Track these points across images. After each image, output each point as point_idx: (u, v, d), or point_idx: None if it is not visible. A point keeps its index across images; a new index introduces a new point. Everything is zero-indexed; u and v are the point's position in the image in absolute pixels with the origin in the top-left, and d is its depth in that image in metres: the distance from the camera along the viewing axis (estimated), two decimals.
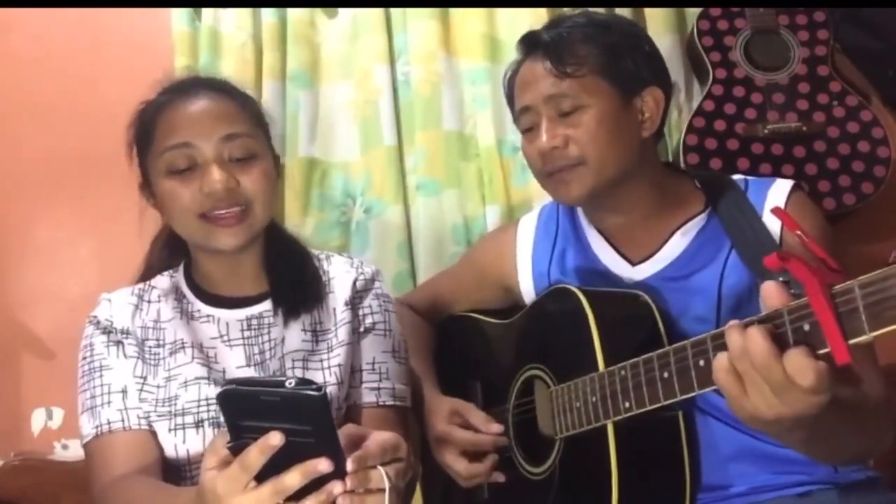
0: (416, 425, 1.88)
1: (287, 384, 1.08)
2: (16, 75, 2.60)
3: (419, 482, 1.96)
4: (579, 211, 1.86)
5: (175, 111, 1.59)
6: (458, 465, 1.71)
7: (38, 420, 2.48)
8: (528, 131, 1.75)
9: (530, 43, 1.77)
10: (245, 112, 1.63)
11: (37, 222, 2.56)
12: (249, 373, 1.61)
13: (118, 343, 1.63)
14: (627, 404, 1.40)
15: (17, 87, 2.59)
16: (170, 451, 1.57)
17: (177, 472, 1.58)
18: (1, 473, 2.29)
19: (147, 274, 1.77)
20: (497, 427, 1.70)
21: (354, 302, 1.70)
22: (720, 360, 1.14)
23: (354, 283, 1.71)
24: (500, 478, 1.72)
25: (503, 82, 1.86)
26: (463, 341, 1.98)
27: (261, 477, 1.13)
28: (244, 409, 1.11)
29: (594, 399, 1.48)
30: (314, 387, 1.07)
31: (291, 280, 1.68)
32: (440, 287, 2.07)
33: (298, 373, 1.61)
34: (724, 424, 1.56)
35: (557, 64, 1.68)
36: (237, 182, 1.55)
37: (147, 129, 1.61)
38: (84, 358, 1.64)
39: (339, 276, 1.72)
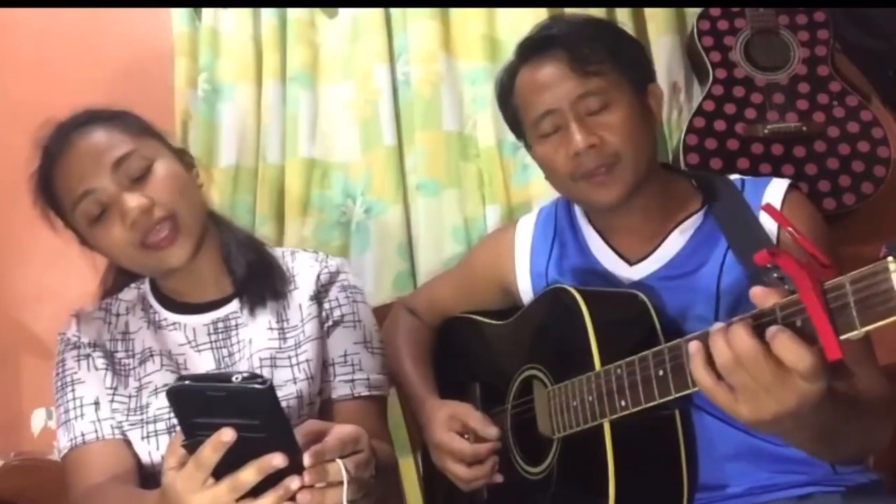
0: (413, 421, 1.88)
1: (233, 379, 1.09)
2: (16, 75, 2.61)
3: (420, 483, 1.97)
4: (577, 211, 1.86)
5: (60, 167, 1.59)
6: (458, 471, 1.71)
7: (38, 420, 2.48)
8: (550, 135, 1.69)
9: (541, 44, 1.71)
10: (117, 130, 1.60)
11: (36, 222, 2.55)
12: None
13: (88, 356, 1.66)
14: (623, 403, 1.39)
15: (17, 87, 2.60)
16: (144, 458, 1.60)
17: (153, 478, 1.59)
18: (1, 473, 2.29)
19: (105, 297, 1.78)
20: (493, 431, 1.69)
21: (320, 296, 1.71)
22: (701, 375, 1.15)
23: (318, 276, 1.72)
24: (499, 478, 1.72)
25: (497, 87, 1.81)
26: (461, 342, 1.98)
27: (220, 472, 1.14)
28: (194, 406, 1.12)
29: (590, 398, 1.47)
30: (259, 380, 1.09)
31: (252, 271, 1.68)
32: (439, 289, 2.07)
33: (266, 371, 1.62)
34: (722, 422, 1.55)
35: (582, 62, 1.64)
36: (150, 200, 1.54)
37: (49, 196, 1.63)
38: (57, 374, 1.68)
39: (304, 271, 1.73)
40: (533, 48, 1.73)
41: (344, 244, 2.45)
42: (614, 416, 1.43)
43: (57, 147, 1.60)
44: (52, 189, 1.61)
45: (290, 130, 2.47)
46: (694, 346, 1.17)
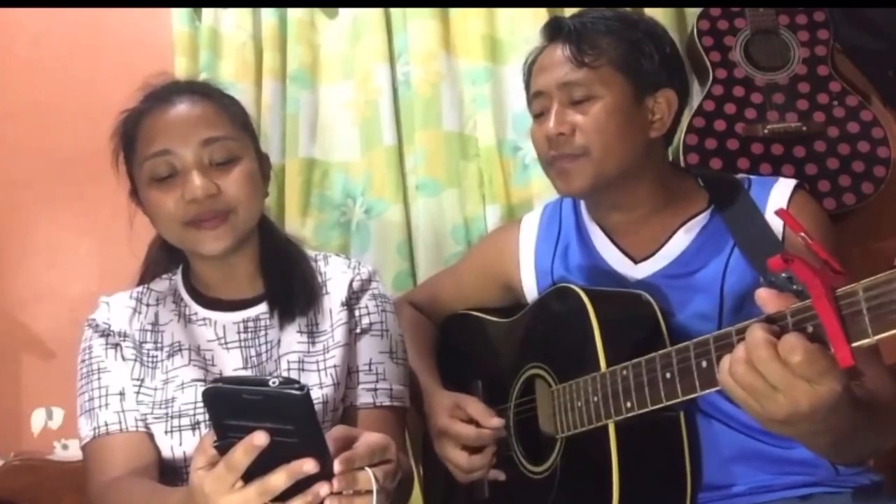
0: (417, 424, 1.88)
1: (270, 383, 1.08)
2: (15, 75, 2.60)
3: (420, 482, 1.97)
4: (582, 208, 1.87)
5: (154, 119, 1.59)
6: (458, 459, 1.72)
7: (38, 420, 2.48)
8: (539, 116, 1.75)
9: (554, 29, 1.77)
10: (225, 114, 1.62)
11: (37, 222, 2.56)
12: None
13: (116, 346, 1.65)
14: (629, 404, 1.40)
15: (16, 87, 2.60)
16: (167, 453, 1.59)
17: (174, 473, 1.59)
18: (1, 473, 2.29)
19: (145, 277, 1.78)
20: (497, 421, 1.70)
21: (351, 303, 1.70)
22: (724, 365, 1.15)
23: (351, 283, 1.71)
24: (500, 476, 1.73)
25: (523, 67, 1.85)
26: (465, 340, 1.98)
27: (249, 475, 1.13)
28: (228, 407, 1.11)
29: (596, 399, 1.48)
30: (297, 386, 1.08)
31: (286, 282, 1.68)
32: (442, 285, 2.07)
33: (294, 374, 1.61)
34: (726, 427, 1.57)
35: (576, 52, 1.68)
36: (218, 187, 1.55)
37: (129, 138, 1.62)
38: (83, 360, 1.66)
39: (336, 276, 1.72)
40: (546, 31, 1.79)
41: (344, 244, 2.45)
42: (619, 418, 1.44)
43: (161, 98, 1.61)
44: (135, 132, 1.61)
45: (290, 130, 2.46)
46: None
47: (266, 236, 1.71)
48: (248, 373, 1.62)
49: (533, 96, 1.77)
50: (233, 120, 1.63)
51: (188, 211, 1.54)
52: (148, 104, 1.62)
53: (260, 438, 1.10)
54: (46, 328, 2.51)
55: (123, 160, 1.65)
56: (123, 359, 1.64)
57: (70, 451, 2.44)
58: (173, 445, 1.58)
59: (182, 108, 1.59)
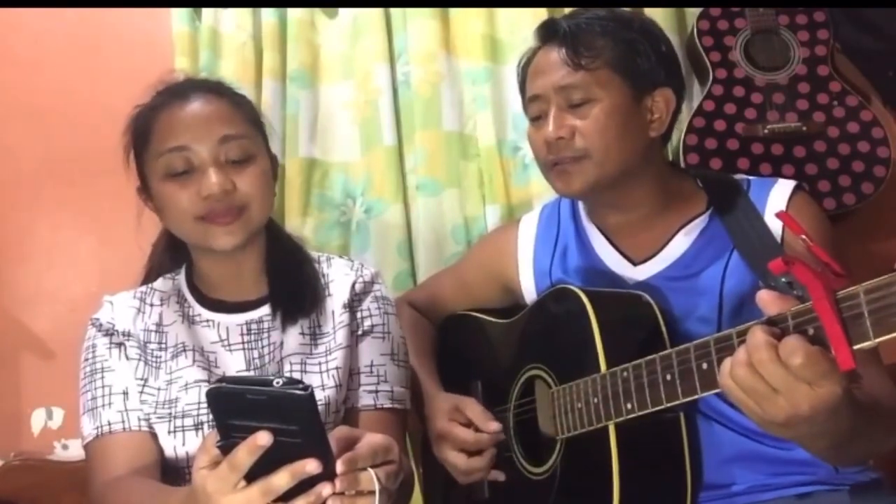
0: (417, 425, 1.88)
1: (275, 383, 1.08)
2: (15, 76, 2.60)
3: (419, 483, 1.97)
4: (581, 209, 1.86)
5: (171, 114, 1.59)
6: (457, 461, 1.72)
7: (38, 420, 2.48)
8: (536, 119, 1.75)
9: (548, 31, 1.76)
10: (241, 113, 1.63)
11: (37, 222, 2.55)
12: None
13: (120, 345, 1.64)
14: (629, 406, 1.40)
15: (16, 87, 2.59)
16: (169, 453, 1.59)
17: (176, 473, 1.59)
18: (1, 473, 2.29)
19: (149, 277, 1.78)
20: (495, 425, 1.70)
21: (353, 305, 1.70)
22: (724, 367, 1.15)
23: (353, 285, 1.71)
24: (500, 477, 1.73)
25: (517, 68, 1.85)
26: (464, 340, 1.98)
27: (252, 475, 1.13)
28: (232, 407, 1.11)
29: (596, 400, 1.48)
30: (301, 386, 1.08)
31: (290, 285, 1.68)
32: (441, 285, 2.07)
33: (296, 376, 1.61)
34: (727, 429, 1.57)
35: (573, 55, 1.68)
36: (234, 184, 1.55)
37: (143, 133, 1.62)
38: (86, 359, 1.65)
39: (339, 278, 1.72)
40: (541, 33, 1.78)
41: (344, 244, 2.45)
42: (620, 419, 1.43)
43: (176, 94, 1.62)
44: (148, 129, 1.61)
45: (290, 130, 2.46)
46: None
47: (272, 238, 1.72)
48: (251, 374, 1.62)
49: (529, 100, 1.76)
50: (247, 118, 1.64)
51: (203, 206, 1.55)
52: (163, 99, 1.63)
53: (263, 438, 1.10)
54: (46, 328, 2.50)
55: (134, 155, 1.65)
56: (127, 358, 1.64)
57: (70, 451, 2.43)
58: (176, 446, 1.58)
59: (198, 105, 1.60)
